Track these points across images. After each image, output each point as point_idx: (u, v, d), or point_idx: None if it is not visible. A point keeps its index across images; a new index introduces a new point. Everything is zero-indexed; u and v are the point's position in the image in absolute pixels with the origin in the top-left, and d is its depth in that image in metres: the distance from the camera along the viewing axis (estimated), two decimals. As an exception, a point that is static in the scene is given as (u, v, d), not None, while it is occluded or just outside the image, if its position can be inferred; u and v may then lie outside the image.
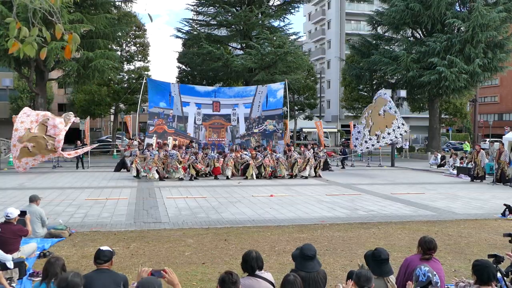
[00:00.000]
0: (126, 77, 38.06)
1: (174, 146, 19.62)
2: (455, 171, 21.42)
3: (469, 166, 19.59)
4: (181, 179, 17.38)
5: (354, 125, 24.97)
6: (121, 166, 21.13)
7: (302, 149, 20.42)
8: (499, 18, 28.40)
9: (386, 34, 35.27)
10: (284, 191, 14.93)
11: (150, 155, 17.66)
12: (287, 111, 26.53)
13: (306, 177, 18.92)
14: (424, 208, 11.84)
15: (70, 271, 3.84)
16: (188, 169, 17.92)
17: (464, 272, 6.28)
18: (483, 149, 21.02)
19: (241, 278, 3.80)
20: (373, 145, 21.30)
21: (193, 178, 17.77)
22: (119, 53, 35.00)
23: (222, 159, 18.74)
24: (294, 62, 30.29)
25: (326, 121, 53.35)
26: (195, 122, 22.60)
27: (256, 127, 23.10)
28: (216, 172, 18.42)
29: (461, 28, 29.50)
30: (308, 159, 19.20)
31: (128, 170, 20.81)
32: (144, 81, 22.70)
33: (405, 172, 23.08)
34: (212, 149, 20.53)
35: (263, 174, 18.69)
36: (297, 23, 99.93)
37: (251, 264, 4.09)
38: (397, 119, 20.24)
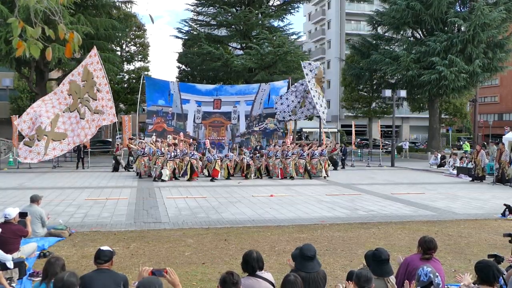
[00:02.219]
0: (126, 77, 38.08)
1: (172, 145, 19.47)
2: (455, 171, 21.42)
3: (470, 166, 19.62)
4: (162, 180, 17.16)
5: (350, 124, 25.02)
6: (118, 166, 21.12)
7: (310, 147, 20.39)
8: (500, 17, 28.43)
9: (386, 34, 35.25)
10: (284, 191, 14.92)
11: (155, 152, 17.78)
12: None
13: (325, 177, 19.06)
14: (424, 208, 11.84)
15: (66, 271, 3.84)
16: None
17: (464, 272, 6.28)
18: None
19: (242, 278, 3.80)
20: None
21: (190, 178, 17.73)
22: (119, 53, 35.04)
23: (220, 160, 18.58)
24: (294, 62, 30.30)
25: (326, 121, 53.27)
26: (194, 121, 22.48)
27: (257, 125, 22.96)
28: (214, 174, 18.01)
29: (462, 28, 29.50)
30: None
31: (117, 170, 20.77)
32: (142, 80, 22.59)
33: (405, 172, 23.08)
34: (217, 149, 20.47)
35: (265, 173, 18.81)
36: (297, 23, 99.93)
37: (252, 264, 4.09)
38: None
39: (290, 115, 22.01)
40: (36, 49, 3.24)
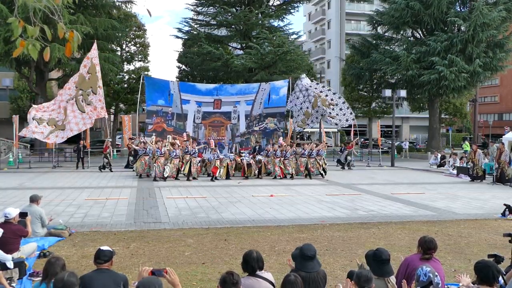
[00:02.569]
0: (126, 77, 38.08)
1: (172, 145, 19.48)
2: (455, 171, 21.42)
3: (468, 166, 19.64)
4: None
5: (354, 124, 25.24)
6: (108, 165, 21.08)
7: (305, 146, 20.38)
8: (499, 17, 28.42)
9: (386, 34, 35.26)
10: (284, 191, 14.92)
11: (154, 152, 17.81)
12: (287, 111, 26.49)
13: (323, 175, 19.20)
14: (424, 208, 11.84)
15: (66, 271, 3.84)
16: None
17: (462, 273, 6.28)
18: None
19: (242, 278, 3.80)
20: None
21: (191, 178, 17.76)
22: (119, 53, 35.03)
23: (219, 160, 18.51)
24: (294, 61, 30.28)
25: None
26: (194, 121, 22.44)
27: (257, 124, 22.92)
28: (213, 171, 18.03)
29: (462, 28, 29.51)
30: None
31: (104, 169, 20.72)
32: (142, 80, 22.57)
33: (405, 172, 23.07)
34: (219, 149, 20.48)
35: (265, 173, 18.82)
36: (297, 23, 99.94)
37: (252, 264, 4.09)
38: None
39: (306, 120, 22.16)
40: (34, 50, 3.22)
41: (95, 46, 20.02)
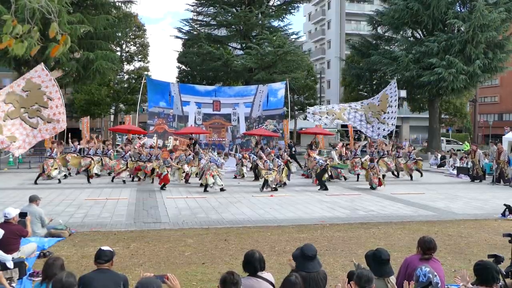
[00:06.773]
0: (126, 77, 38.09)
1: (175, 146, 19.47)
2: (455, 171, 21.40)
3: (469, 166, 19.62)
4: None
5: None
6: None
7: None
8: (499, 18, 28.35)
9: (386, 34, 35.24)
10: (284, 191, 14.91)
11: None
12: (287, 111, 26.50)
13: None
14: (424, 208, 11.84)
15: (64, 271, 3.84)
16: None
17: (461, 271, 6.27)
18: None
19: (242, 278, 3.79)
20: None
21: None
22: (119, 53, 35.01)
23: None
24: (294, 62, 30.30)
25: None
26: (195, 122, 22.50)
27: (257, 127, 23.00)
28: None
29: (462, 28, 29.46)
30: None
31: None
32: (143, 80, 22.64)
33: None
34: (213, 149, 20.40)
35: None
36: (297, 23, 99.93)
37: (254, 265, 4.08)
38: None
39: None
40: (21, 47, 3.20)
41: (39, 67, 19.54)
